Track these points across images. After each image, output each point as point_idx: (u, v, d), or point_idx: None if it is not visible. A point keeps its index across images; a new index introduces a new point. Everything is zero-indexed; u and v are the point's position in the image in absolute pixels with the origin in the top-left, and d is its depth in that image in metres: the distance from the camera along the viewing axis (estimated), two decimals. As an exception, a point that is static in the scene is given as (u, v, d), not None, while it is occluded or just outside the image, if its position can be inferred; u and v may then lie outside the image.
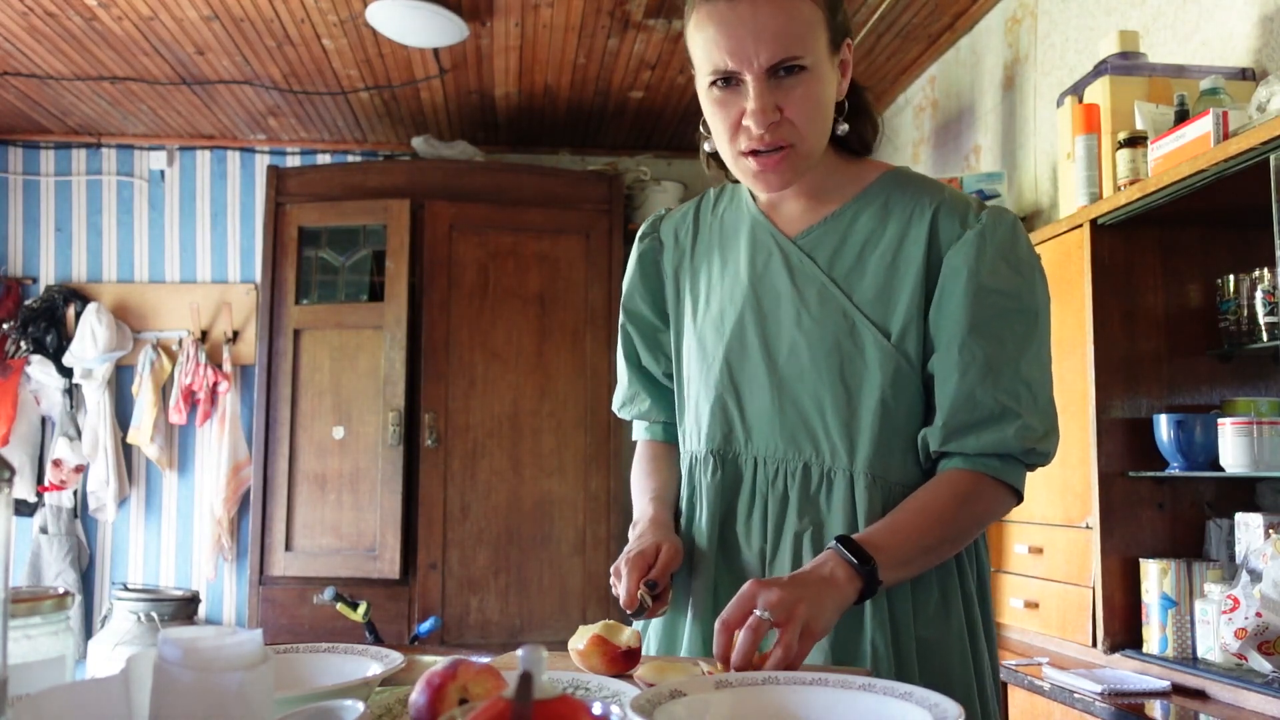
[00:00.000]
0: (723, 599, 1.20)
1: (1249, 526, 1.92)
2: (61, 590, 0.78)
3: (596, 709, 0.57)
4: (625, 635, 1.01)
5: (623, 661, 1.00)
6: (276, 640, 1.40)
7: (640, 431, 1.42)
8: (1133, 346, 2.15)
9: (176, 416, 4.32)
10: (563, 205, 3.95)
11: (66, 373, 4.34)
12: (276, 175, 3.92)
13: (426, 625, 3.27)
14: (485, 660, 0.83)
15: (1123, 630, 2.09)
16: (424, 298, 3.80)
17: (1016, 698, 2.22)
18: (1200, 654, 1.95)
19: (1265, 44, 2.10)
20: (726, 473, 1.23)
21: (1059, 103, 2.41)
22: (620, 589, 1.16)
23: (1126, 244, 2.16)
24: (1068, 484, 2.24)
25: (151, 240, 4.56)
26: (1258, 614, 1.70)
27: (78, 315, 4.35)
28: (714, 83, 1.12)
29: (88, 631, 4.25)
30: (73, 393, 4.38)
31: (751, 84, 1.10)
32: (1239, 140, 1.72)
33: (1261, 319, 1.96)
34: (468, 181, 3.95)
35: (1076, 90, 2.31)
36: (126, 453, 4.42)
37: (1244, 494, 2.11)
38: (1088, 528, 2.15)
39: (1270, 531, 1.86)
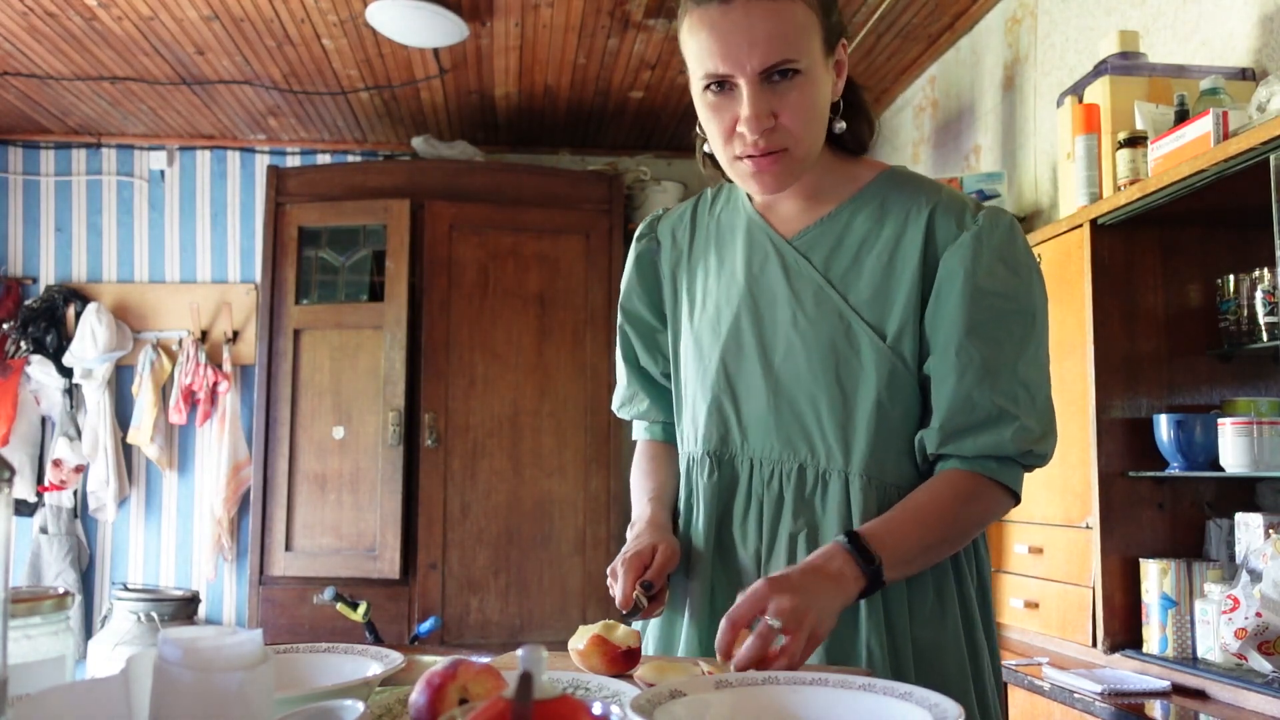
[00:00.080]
0: (719, 600, 1.21)
1: (1249, 526, 1.92)
2: (61, 590, 0.78)
3: (596, 709, 0.57)
4: (625, 635, 1.01)
5: (623, 661, 1.00)
6: (276, 640, 1.40)
7: (640, 431, 1.42)
8: (1133, 346, 2.15)
9: (176, 416, 4.32)
10: (563, 205, 3.95)
11: (66, 373, 4.34)
12: (276, 175, 3.92)
13: (426, 625, 3.27)
14: (485, 660, 0.83)
15: (1123, 630, 2.09)
16: (424, 298, 3.80)
17: (1016, 698, 2.22)
18: (1200, 654, 1.95)
19: (1265, 44, 2.10)
20: (723, 474, 1.23)
21: (1059, 103, 2.41)
22: (616, 590, 1.16)
23: (1126, 244, 2.16)
24: (1068, 484, 2.24)
25: (151, 240, 4.56)
26: (1258, 614, 1.70)
27: (78, 315, 4.35)
28: (708, 87, 1.12)
29: (88, 631, 4.25)
30: (73, 393, 4.38)
31: (745, 89, 1.09)
32: (1239, 140, 1.72)
33: (1261, 319, 1.96)
34: (468, 181, 3.95)
35: (1076, 90, 2.31)
36: (126, 453, 4.42)
37: (1244, 494, 2.11)
38: (1088, 528, 2.15)
39: (1270, 531, 1.86)
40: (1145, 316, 2.16)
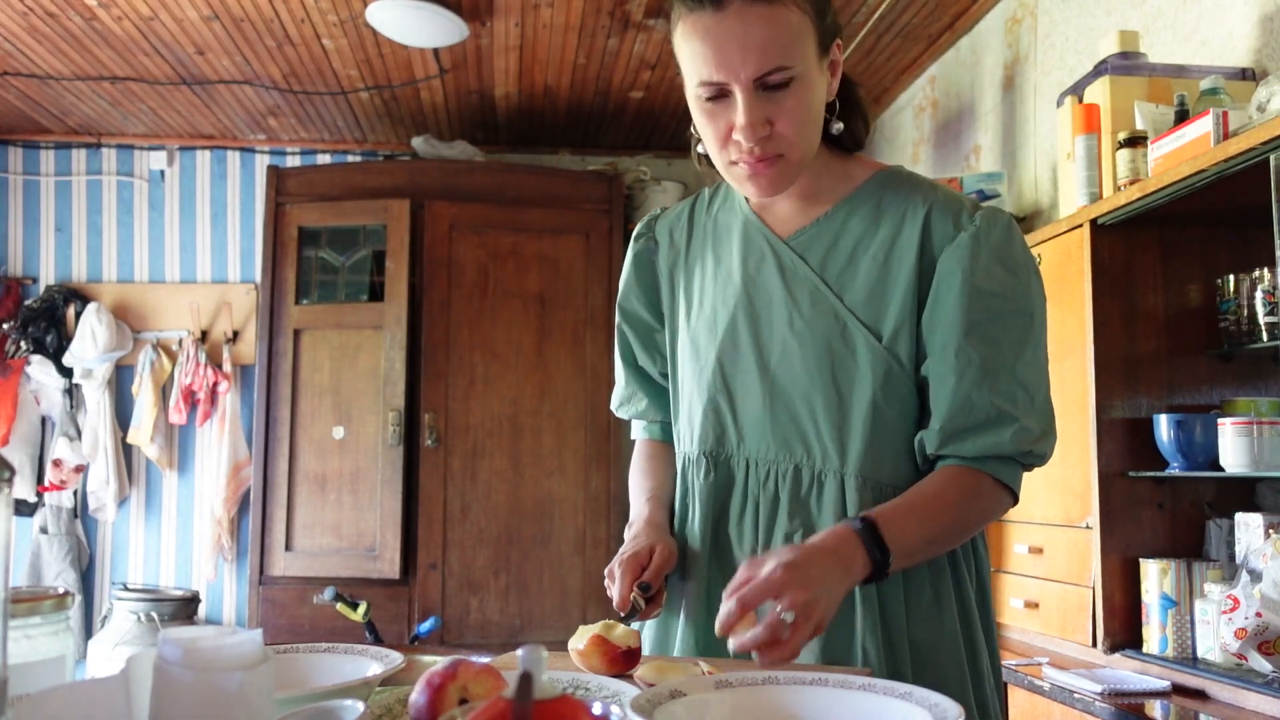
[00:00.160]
0: (715, 600, 1.20)
1: (1249, 526, 1.92)
2: (61, 590, 0.78)
3: (596, 709, 0.57)
4: (625, 635, 1.01)
5: (623, 661, 1.00)
6: (276, 640, 1.40)
7: (638, 430, 1.42)
8: (1133, 346, 2.15)
9: (176, 416, 4.32)
10: (563, 205, 3.95)
11: (66, 373, 4.34)
12: (276, 175, 3.92)
13: (426, 625, 3.27)
14: (485, 660, 0.83)
15: (1123, 630, 2.09)
16: (424, 298, 3.80)
17: (1016, 698, 2.22)
18: (1200, 654, 1.95)
19: (1265, 44, 2.10)
20: (719, 474, 1.23)
21: (1059, 103, 2.41)
22: (614, 591, 1.16)
23: (1126, 244, 2.16)
24: (1068, 484, 2.24)
25: (151, 240, 4.56)
26: (1258, 614, 1.70)
27: (78, 315, 4.35)
28: (702, 94, 1.12)
29: (88, 631, 4.25)
30: (73, 393, 4.38)
31: (740, 96, 1.09)
32: (1239, 140, 1.72)
33: (1261, 319, 1.95)
34: (468, 181, 3.95)
35: (1076, 90, 2.31)
36: (126, 453, 4.42)
37: (1244, 494, 2.11)
38: (1088, 528, 2.15)
39: (1270, 531, 1.86)
40: (1145, 316, 2.16)
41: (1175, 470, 2.03)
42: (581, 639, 1.00)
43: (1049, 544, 2.33)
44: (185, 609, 3.93)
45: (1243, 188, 1.81)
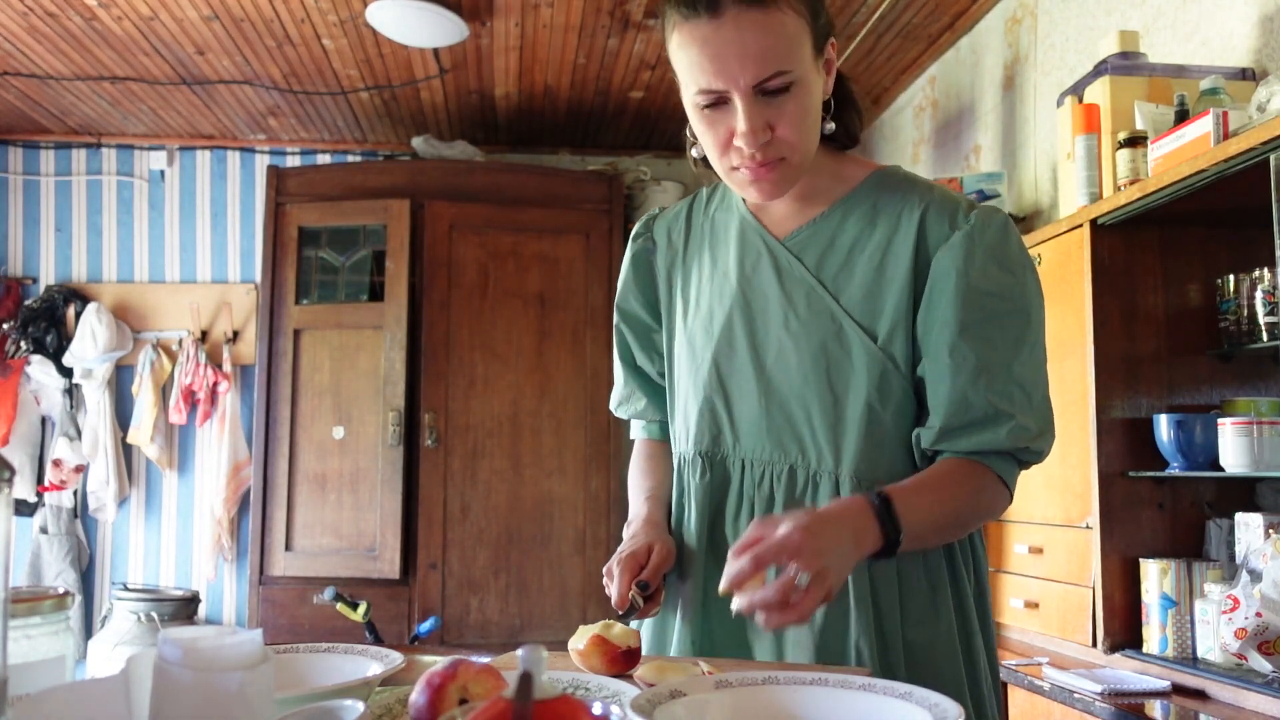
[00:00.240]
0: (711, 600, 1.21)
1: (1249, 526, 1.92)
2: (61, 590, 0.78)
3: (596, 709, 0.57)
4: (625, 635, 1.01)
5: (623, 661, 1.00)
6: (276, 640, 1.40)
7: (637, 430, 1.42)
8: (1133, 346, 2.15)
9: (176, 416, 4.32)
10: (563, 205, 3.95)
11: (66, 373, 4.35)
12: (276, 175, 3.92)
13: (426, 625, 3.27)
14: (485, 660, 0.83)
15: (1123, 630, 2.09)
16: (424, 298, 3.80)
17: (1016, 698, 2.22)
18: (1200, 654, 1.95)
19: (1265, 44, 2.10)
20: (715, 474, 1.23)
21: (1059, 103, 2.41)
22: (612, 589, 1.16)
23: (1126, 244, 2.16)
24: (1068, 484, 2.24)
25: (151, 240, 4.56)
26: (1258, 614, 1.70)
27: (78, 315, 4.35)
28: (701, 101, 1.11)
29: (88, 631, 4.25)
30: (73, 393, 4.38)
31: (740, 103, 1.08)
32: (1239, 140, 1.72)
33: (1261, 319, 1.96)
34: (468, 181, 3.95)
35: (1076, 90, 2.31)
36: (126, 453, 4.42)
37: (1244, 494, 2.11)
38: (1088, 528, 2.15)
39: (1270, 531, 1.86)
40: (1145, 316, 2.16)
41: (1175, 470, 2.03)
42: (581, 639, 1.00)
43: (1049, 544, 2.33)
44: (185, 609, 3.93)
45: (1243, 188, 1.81)
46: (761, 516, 1.00)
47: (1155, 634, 2.02)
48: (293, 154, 4.64)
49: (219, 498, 4.29)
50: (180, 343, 4.42)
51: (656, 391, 1.37)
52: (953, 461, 1.14)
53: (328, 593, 3.17)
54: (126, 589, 3.99)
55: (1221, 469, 1.92)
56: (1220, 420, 1.92)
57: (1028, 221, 2.94)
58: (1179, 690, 1.88)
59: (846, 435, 1.15)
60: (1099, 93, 2.21)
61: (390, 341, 3.75)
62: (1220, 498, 2.12)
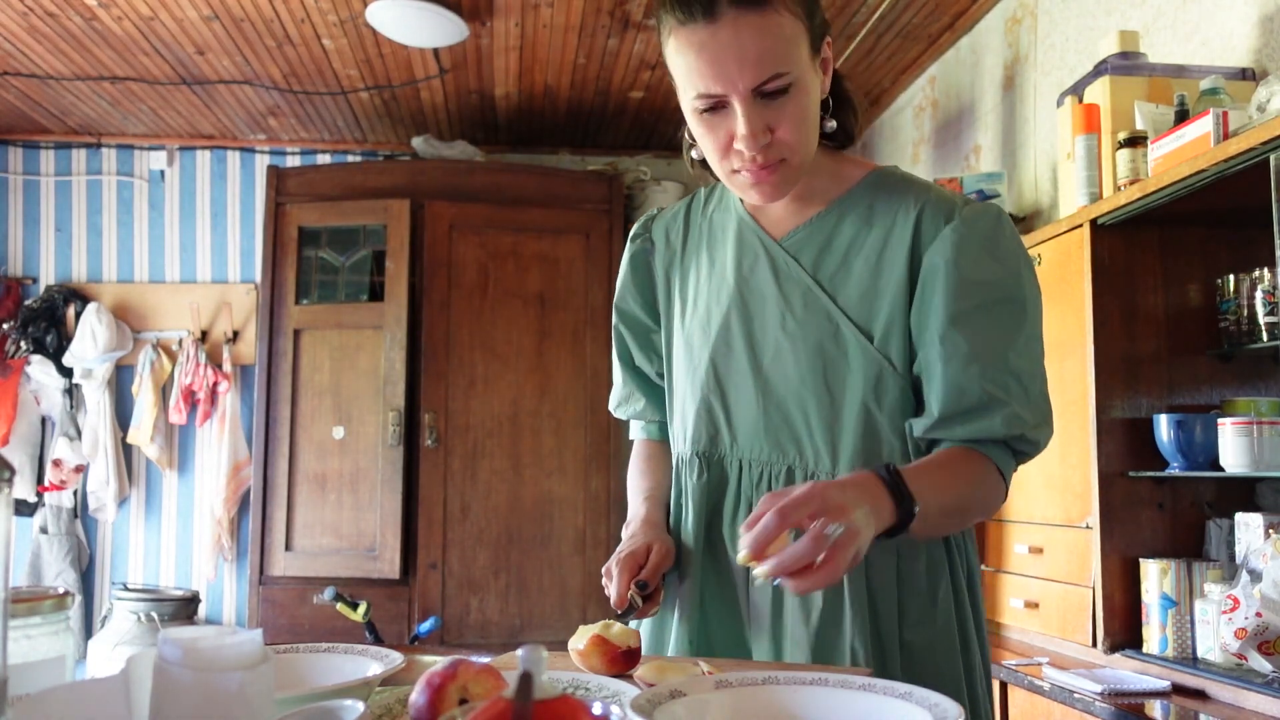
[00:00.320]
0: (709, 600, 1.21)
1: (1249, 526, 1.92)
2: (61, 590, 0.78)
3: (596, 709, 0.57)
4: (625, 635, 1.01)
5: (623, 661, 1.00)
6: (276, 640, 1.40)
7: (636, 431, 1.43)
8: (1133, 346, 2.15)
9: (176, 416, 4.32)
10: (563, 205, 3.95)
11: (66, 373, 4.35)
12: (276, 175, 3.92)
13: (426, 625, 3.27)
14: (485, 660, 0.83)
15: (1123, 630, 2.09)
16: (424, 298, 3.80)
17: (1016, 698, 2.22)
18: (1200, 654, 1.95)
19: (1265, 44, 2.10)
20: (712, 475, 1.23)
21: (1059, 103, 2.41)
22: (611, 589, 1.16)
23: (1126, 244, 2.16)
24: (1068, 484, 2.24)
25: (151, 240, 4.56)
26: (1258, 614, 1.70)
27: (78, 315, 4.35)
28: (700, 105, 1.11)
29: (88, 631, 4.25)
30: (73, 393, 4.38)
31: (739, 107, 1.08)
32: (1239, 140, 1.72)
33: (1261, 319, 1.96)
34: (468, 181, 3.95)
35: (1076, 90, 2.31)
36: (126, 453, 4.42)
37: (1244, 494, 2.11)
38: (1088, 528, 2.15)
39: (1270, 531, 1.86)
40: (1145, 316, 2.16)
41: (1175, 470, 2.03)
42: (581, 639, 1.00)
43: (1049, 544, 2.33)
44: (185, 609, 3.93)
45: (1243, 188, 1.81)
46: (771, 493, 0.96)
47: (1155, 634, 2.02)
48: (293, 154, 4.64)
49: (219, 498, 4.29)
50: (180, 343, 4.42)
51: (655, 392, 1.38)
52: (950, 450, 1.12)
53: (328, 593, 3.17)
54: (126, 589, 4.00)
55: (1221, 469, 1.92)
56: (1220, 420, 1.92)
57: (1028, 221, 2.94)
58: (1179, 690, 1.88)
59: (843, 435, 1.15)
60: (1099, 93, 2.21)
61: (390, 341, 3.75)
62: (1220, 498, 2.12)
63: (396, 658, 0.90)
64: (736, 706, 0.79)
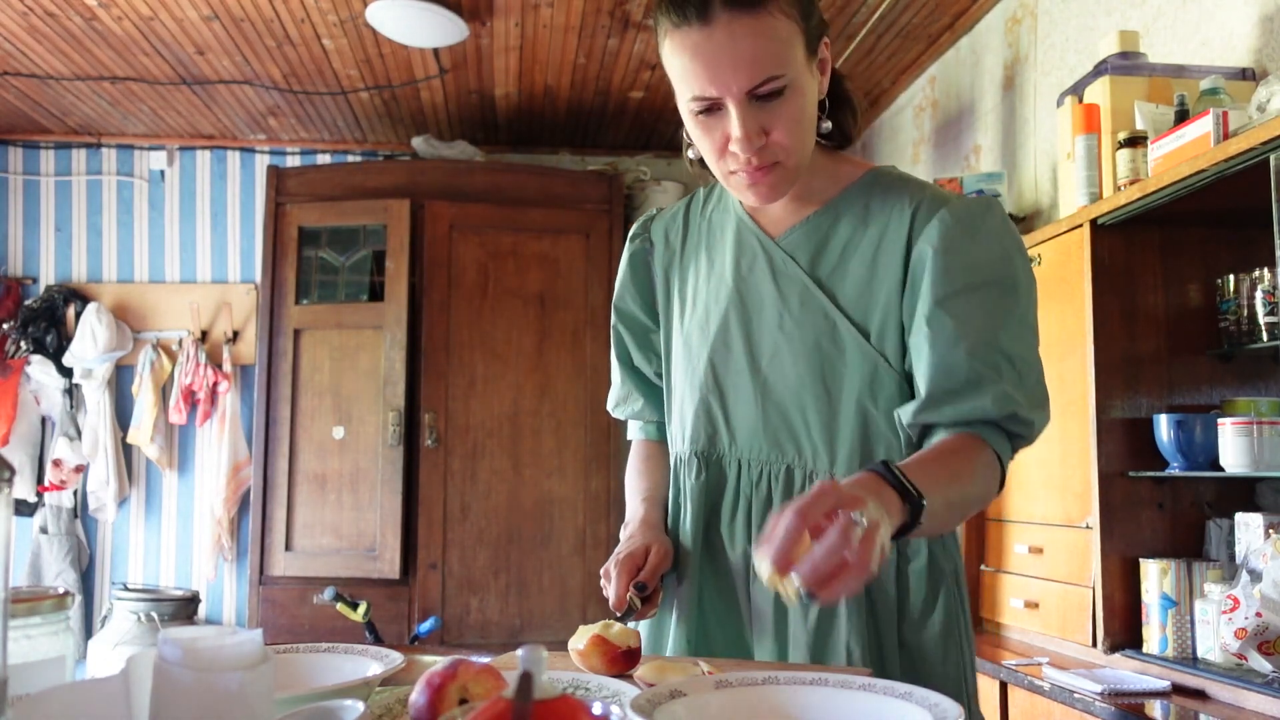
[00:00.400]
0: (707, 600, 1.21)
1: (1249, 526, 1.92)
2: (61, 590, 0.78)
3: (596, 709, 0.57)
4: (625, 635, 1.01)
5: (623, 661, 1.00)
6: (276, 640, 1.40)
7: (634, 431, 1.42)
8: (1133, 346, 2.15)
9: (176, 416, 4.32)
10: (563, 205, 3.95)
11: (66, 373, 4.35)
12: (276, 175, 3.92)
13: (426, 625, 3.27)
14: (485, 660, 0.83)
15: (1123, 630, 2.09)
16: (424, 298, 3.80)
17: (1016, 698, 2.22)
18: (1200, 654, 1.95)
19: (1265, 44, 2.10)
20: (710, 474, 1.23)
21: (1059, 103, 2.41)
22: (610, 590, 1.15)
23: (1126, 244, 2.16)
24: (1068, 484, 2.24)
25: (151, 240, 4.56)
26: (1258, 614, 1.70)
27: (78, 315, 4.35)
28: (695, 107, 1.11)
29: (88, 631, 4.25)
30: (73, 393, 4.38)
31: (733, 109, 1.08)
32: (1239, 140, 1.72)
33: (1261, 319, 1.96)
34: (468, 181, 3.95)
35: (1076, 90, 2.31)
36: (126, 453, 4.42)
37: (1244, 494, 2.11)
38: (1088, 528, 2.16)
39: (1270, 531, 1.86)
40: (1145, 316, 2.16)
41: (1175, 470, 2.03)
42: (581, 639, 1.00)
43: (1049, 544, 2.33)
44: (185, 609, 3.93)
45: (1243, 188, 1.81)
46: (774, 513, 0.89)
47: (1155, 634, 2.02)
48: (293, 154, 4.64)
49: (219, 498, 4.29)
50: (180, 343, 4.42)
51: (654, 392, 1.38)
52: (944, 440, 1.09)
53: (328, 593, 3.17)
54: (126, 589, 3.99)
55: (1221, 469, 1.92)
56: (1220, 420, 1.92)
57: (1028, 221, 2.94)
58: (1179, 690, 1.88)
59: (840, 433, 1.15)
60: (1099, 93, 2.21)
61: (390, 341, 3.75)
62: (1220, 498, 2.12)
63: (396, 658, 0.90)
64: (736, 706, 0.79)
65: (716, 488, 1.22)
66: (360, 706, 0.64)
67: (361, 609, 3.14)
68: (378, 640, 3.23)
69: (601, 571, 1.19)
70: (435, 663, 0.76)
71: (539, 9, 3.27)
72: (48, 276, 4.50)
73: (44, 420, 4.44)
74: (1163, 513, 2.13)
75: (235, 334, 4.47)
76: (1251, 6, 2.13)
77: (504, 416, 3.81)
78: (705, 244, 1.30)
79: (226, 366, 4.40)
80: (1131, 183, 2.06)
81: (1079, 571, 2.19)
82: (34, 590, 0.76)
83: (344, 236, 3.89)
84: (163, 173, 4.58)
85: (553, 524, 3.81)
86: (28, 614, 0.74)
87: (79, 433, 4.35)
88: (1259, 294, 1.96)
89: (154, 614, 3.79)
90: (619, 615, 1.14)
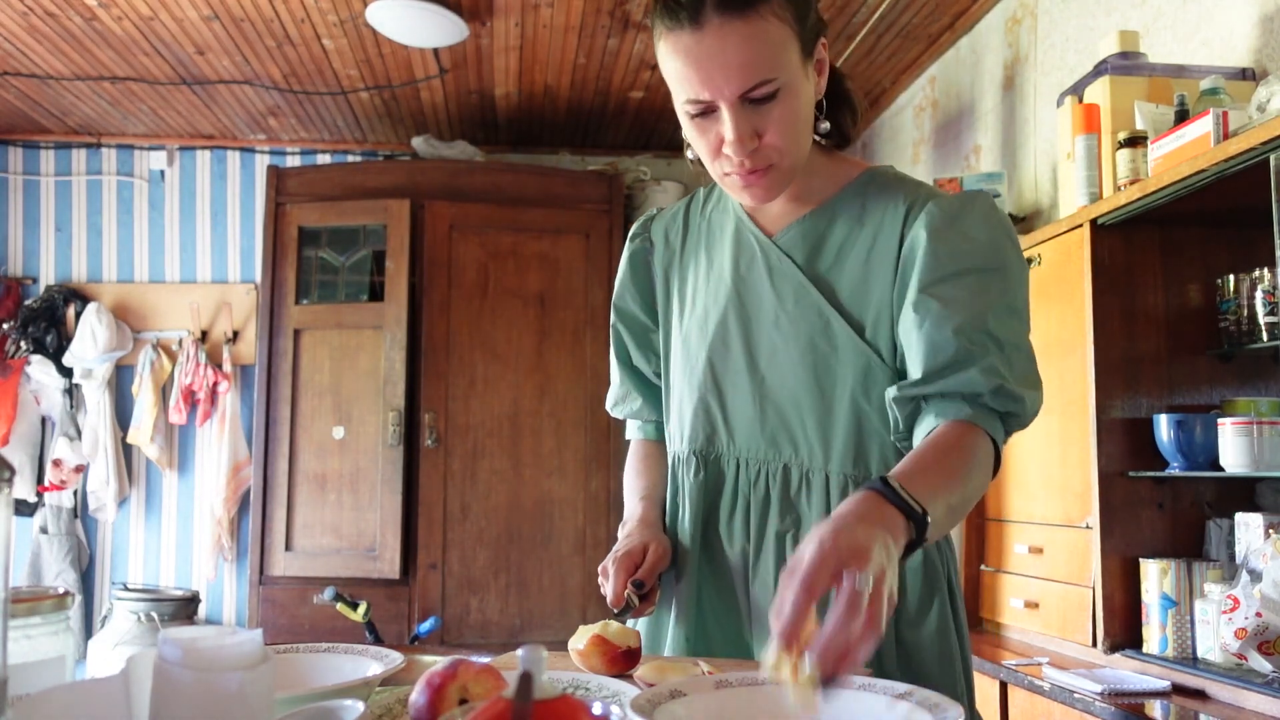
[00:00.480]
0: (705, 599, 1.21)
1: (1249, 526, 1.92)
2: (61, 590, 0.78)
3: (596, 709, 0.57)
4: (625, 635, 1.01)
5: (623, 661, 1.00)
6: (276, 640, 1.40)
7: (633, 430, 1.43)
8: (1133, 346, 2.15)
9: (176, 416, 4.32)
10: (563, 205, 3.95)
11: (66, 373, 4.35)
12: (276, 175, 3.92)
13: (426, 625, 3.27)
14: (485, 660, 0.83)
15: (1123, 630, 2.09)
16: (424, 298, 3.80)
17: (1016, 698, 2.22)
18: (1200, 654, 1.95)
19: (1265, 44, 2.10)
20: (709, 473, 1.23)
21: (1059, 103, 2.41)
22: (607, 588, 1.16)
23: (1126, 244, 2.16)
24: (1068, 484, 2.24)
25: (151, 240, 4.56)
26: (1258, 614, 1.70)
27: (78, 315, 4.35)
28: (690, 110, 1.11)
29: (88, 631, 4.25)
30: (73, 393, 4.38)
31: (726, 113, 1.08)
32: (1239, 140, 1.72)
33: (1261, 319, 1.95)
34: (468, 181, 3.95)
35: (1076, 90, 2.31)
36: (126, 453, 4.42)
37: (1244, 494, 2.11)
38: (1088, 528, 2.15)
39: (1270, 531, 1.86)
40: (1145, 316, 2.16)
41: (1175, 470, 2.03)
42: (581, 639, 1.00)
43: (1049, 544, 2.33)
44: (185, 609, 3.93)
45: (1243, 188, 1.81)
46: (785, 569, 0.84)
47: (1155, 634, 2.02)
48: (293, 154, 4.64)
49: (219, 498, 4.29)
50: (180, 343, 4.42)
51: (653, 391, 1.38)
52: (935, 434, 1.06)
53: (328, 593, 3.17)
54: (126, 589, 3.99)
55: (1221, 469, 1.92)
56: (1220, 420, 1.92)
57: (1028, 221, 2.94)
58: (1179, 690, 1.88)
59: (835, 431, 1.15)
60: (1099, 93, 2.21)
61: (390, 341, 3.75)
62: (1220, 498, 2.12)
63: (396, 658, 0.90)
64: (736, 706, 0.79)
65: (715, 487, 1.23)
66: (360, 706, 0.64)
67: (361, 609, 3.14)
68: (378, 640, 3.23)
69: (599, 569, 1.19)
70: (435, 663, 0.76)
71: (539, 9, 3.27)
72: (48, 276, 4.50)
73: (44, 420, 4.44)
74: (1163, 513, 2.13)
75: (235, 334, 4.47)
76: (1251, 6, 2.13)
77: (504, 416, 3.81)
78: (705, 243, 1.30)
79: (226, 366, 4.40)
80: (1131, 183, 2.05)
81: (1079, 571, 2.19)
82: (34, 590, 0.76)
83: (344, 236, 3.89)
84: (163, 173, 4.58)
85: (553, 524, 3.81)
86: (28, 614, 0.74)
87: (79, 433, 4.35)
88: (1259, 294, 1.96)
89: (154, 614, 3.79)
90: (616, 612, 1.14)
